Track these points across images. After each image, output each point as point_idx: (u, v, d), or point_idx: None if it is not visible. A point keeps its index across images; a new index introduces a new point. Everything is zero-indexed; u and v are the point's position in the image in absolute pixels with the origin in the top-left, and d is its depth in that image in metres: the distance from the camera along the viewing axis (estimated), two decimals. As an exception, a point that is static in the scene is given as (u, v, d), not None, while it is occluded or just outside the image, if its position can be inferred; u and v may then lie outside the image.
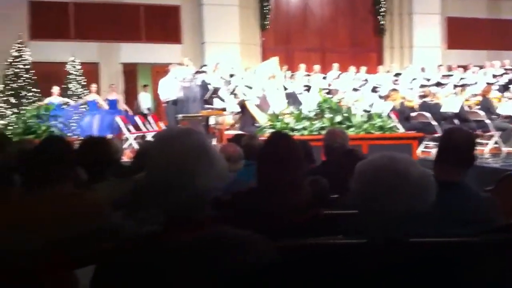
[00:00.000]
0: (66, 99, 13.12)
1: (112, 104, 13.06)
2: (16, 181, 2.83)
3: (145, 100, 15.05)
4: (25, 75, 13.97)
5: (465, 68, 16.19)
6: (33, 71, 14.14)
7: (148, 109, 14.85)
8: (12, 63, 13.96)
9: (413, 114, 11.42)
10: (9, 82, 13.89)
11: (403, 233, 1.53)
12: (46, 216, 2.20)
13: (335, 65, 16.13)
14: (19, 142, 5.26)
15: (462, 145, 2.53)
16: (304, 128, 8.43)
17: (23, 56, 14.08)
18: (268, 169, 2.51)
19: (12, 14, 14.64)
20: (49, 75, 14.32)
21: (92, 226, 2.20)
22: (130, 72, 16.40)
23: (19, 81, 13.85)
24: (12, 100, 13.50)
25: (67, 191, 2.39)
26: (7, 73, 13.92)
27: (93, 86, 13.27)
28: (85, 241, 2.12)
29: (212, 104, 11.99)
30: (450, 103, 11.33)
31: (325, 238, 2.29)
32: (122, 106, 13.50)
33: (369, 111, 10.64)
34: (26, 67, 14.07)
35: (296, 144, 2.65)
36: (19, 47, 14.10)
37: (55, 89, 12.89)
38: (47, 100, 12.22)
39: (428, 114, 10.96)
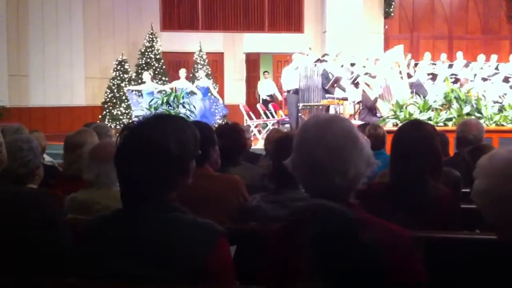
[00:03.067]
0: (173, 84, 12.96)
1: (204, 91, 12.92)
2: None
3: (265, 87, 14.76)
4: (155, 64, 14.83)
5: None
6: (163, 60, 14.98)
7: (270, 96, 14.57)
8: (145, 53, 14.88)
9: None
10: (141, 70, 14.82)
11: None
12: (195, 192, 2.36)
13: (459, 54, 15.33)
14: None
15: None
16: (430, 119, 8.16)
17: (154, 46, 14.94)
18: (404, 160, 2.38)
19: (146, 6, 15.52)
20: (178, 64, 15.07)
21: (234, 205, 2.33)
22: (253, 61, 16.77)
23: (150, 70, 14.72)
24: (143, 87, 14.36)
25: (208, 172, 2.55)
26: (139, 62, 14.86)
27: (182, 72, 13.01)
28: (227, 219, 2.25)
29: (333, 94, 11.94)
30: None
31: (464, 232, 2.26)
32: (214, 93, 13.38)
33: (499, 102, 10.05)
34: (157, 56, 14.93)
35: (434, 132, 2.49)
36: (151, 37, 14.97)
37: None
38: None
39: None
